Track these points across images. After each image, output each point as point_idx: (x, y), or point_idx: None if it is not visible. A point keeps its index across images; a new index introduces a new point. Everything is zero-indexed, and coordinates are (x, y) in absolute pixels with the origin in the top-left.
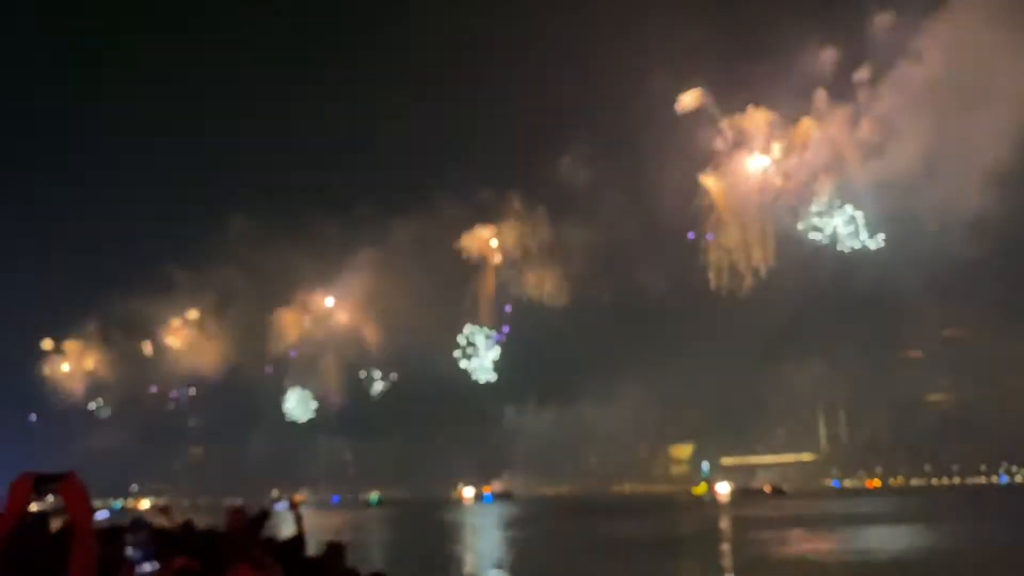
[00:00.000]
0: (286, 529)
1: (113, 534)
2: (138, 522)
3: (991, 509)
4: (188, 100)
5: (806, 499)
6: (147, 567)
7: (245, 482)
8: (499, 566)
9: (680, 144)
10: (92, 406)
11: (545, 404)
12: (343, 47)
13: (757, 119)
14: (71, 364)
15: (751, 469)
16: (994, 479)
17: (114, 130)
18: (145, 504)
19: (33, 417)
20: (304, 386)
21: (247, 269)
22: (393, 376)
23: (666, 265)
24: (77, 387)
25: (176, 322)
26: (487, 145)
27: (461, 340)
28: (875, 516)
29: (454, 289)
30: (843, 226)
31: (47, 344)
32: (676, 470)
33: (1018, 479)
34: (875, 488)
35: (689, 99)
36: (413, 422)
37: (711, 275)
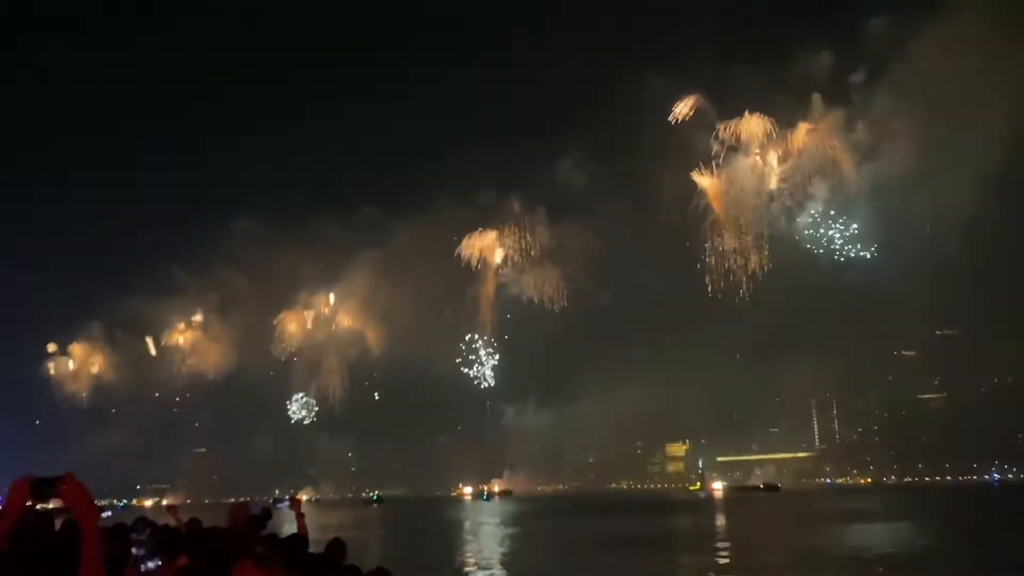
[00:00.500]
0: (288, 527)
1: (118, 532)
2: (143, 520)
3: (979, 508)
4: (191, 103)
5: (799, 496)
6: (151, 565)
7: (248, 481)
8: (498, 563)
9: (678, 148)
10: (97, 406)
11: (544, 404)
12: (345, 51)
13: (753, 124)
14: (76, 365)
15: (746, 466)
16: (986, 477)
17: (117, 133)
18: (149, 503)
19: (38, 422)
20: (306, 386)
21: (250, 271)
22: (393, 376)
23: (664, 267)
24: (82, 388)
25: (180, 323)
26: (487, 148)
27: (462, 347)
28: (864, 513)
29: (455, 290)
30: (839, 236)
31: (52, 346)
32: (672, 468)
33: (1009, 477)
34: (868, 486)
35: (683, 109)
36: (414, 422)
37: (707, 279)
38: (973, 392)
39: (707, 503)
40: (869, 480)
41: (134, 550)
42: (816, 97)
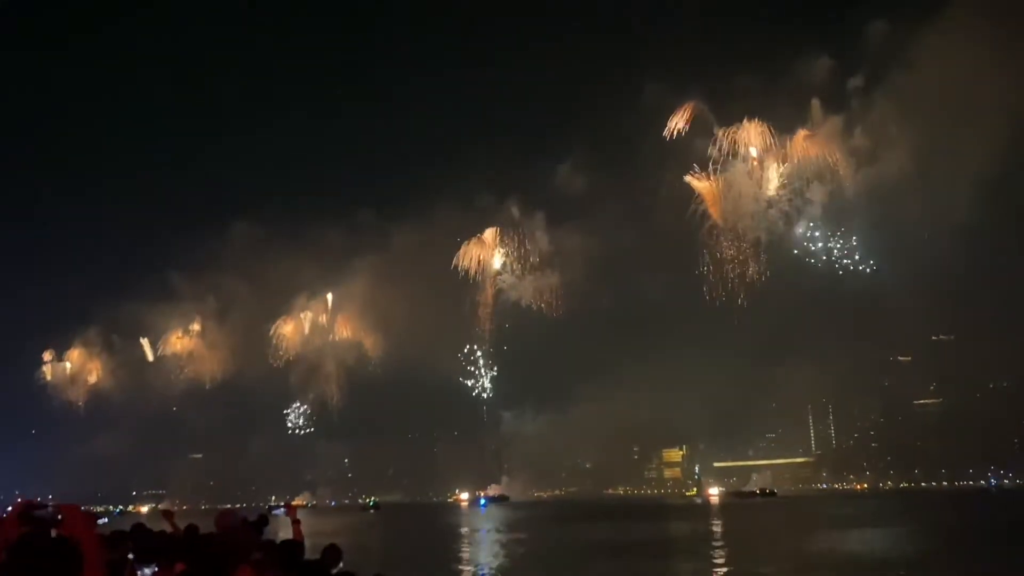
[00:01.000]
0: (284, 533)
1: (115, 539)
2: (139, 527)
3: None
4: (190, 107)
5: (796, 502)
6: (148, 572)
7: (244, 487)
8: (496, 570)
9: (677, 153)
10: (93, 412)
11: (541, 410)
12: (344, 57)
13: (751, 130)
14: (72, 370)
15: (743, 472)
16: (982, 483)
17: (116, 138)
18: (145, 509)
19: (34, 430)
20: (303, 392)
21: (248, 276)
22: (391, 382)
23: (662, 273)
24: (79, 393)
25: (177, 329)
26: (486, 153)
27: (460, 357)
28: (861, 518)
29: (453, 295)
30: (835, 242)
31: (48, 355)
32: (669, 473)
33: (1005, 483)
34: (864, 491)
35: (678, 122)
36: (411, 428)
37: (705, 287)
38: (969, 398)
39: (704, 509)
40: (865, 485)
41: (131, 556)
42: (815, 103)
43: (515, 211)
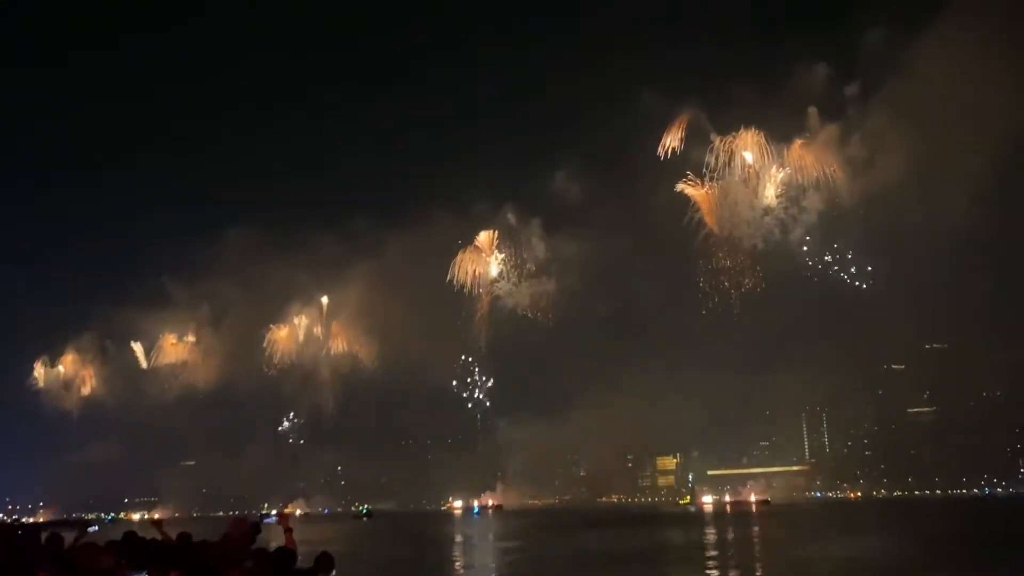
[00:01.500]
0: (277, 542)
1: (107, 548)
2: (130, 535)
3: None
4: (185, 113)
5: (789, 510)
6: None
7: (237, 494)
8: None
9: (673, 161)
10: (86, 419)
11: (536, 417)
12: (340, 64)
13: (748, 139)
14: (65, 376)
15: (736, 480)
16: (975, 491)
17: (112, 143)
18: (137, 517)
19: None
20: (297, 400)
21: (243, 282)
22: (385, 389)
23: (658, 280)
24: (71, 399)
25: (171, 336)
26: (483, 159)
27: (456, 368)
28: (854, 526)
29: (448, 302)
30: (830, 251)
31: (39, 365)
32: (663, 482)
33: (999, 491)
34: (857, 500)
35: (672, 140)
36: (405, 435)
37: (700, 295)
38: (962, 406)
39: (697, 517)
40: (859, 494)
41: (124, 564)
42: (812, 111)
43: (511, 218)
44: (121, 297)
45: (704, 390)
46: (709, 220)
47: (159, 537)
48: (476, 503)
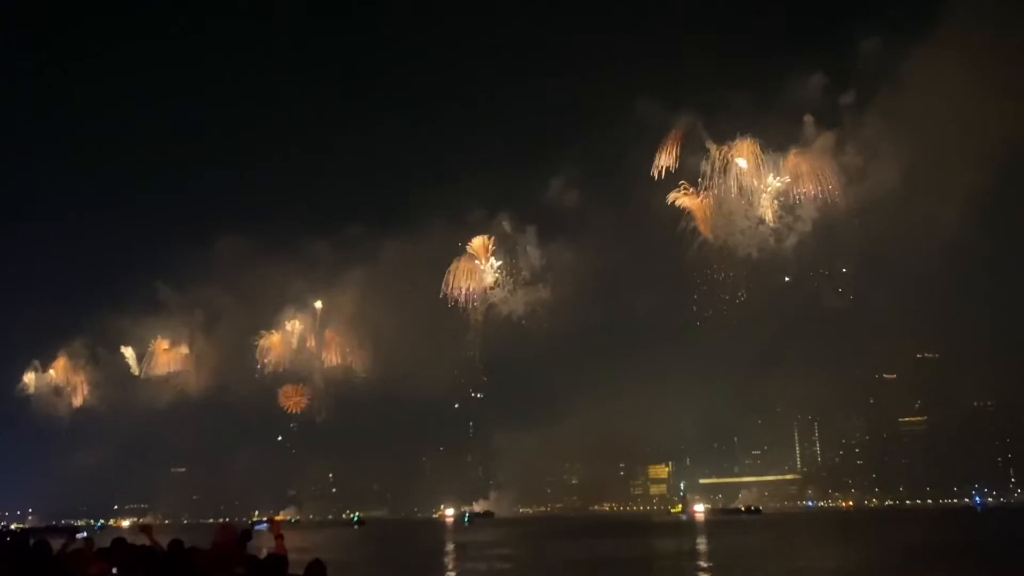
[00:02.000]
0: (268, 549)
1: (96, 554)
2: (119, 542)
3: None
4: (178, 119)
5: (781, 519)
6: None
7: (228, 501)
8: None
9: (669, 170)
10: (77, 425)
11: (528, 425)
12: (336, 71)
13: (743, 147)
14: (57, 382)
15: (728, 489)
16: (967, 501)
17: (105, 148)
18: (127, 523)
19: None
20: (288, 406)
21: (236, 288)
22: (377, 397)
23: (652, 289)
24: (62, 405)
25: (164, 342)
26: (478, 167)
27: (449, 372)
28: (845, 535)
29: (442, 309)
30: (824, 260)
31: (30, 375)
32: (655, 490)
33: (990, 501)
34: (849, 509)
35: (665, 159)
36: (398, 442)
37: (694, 306)
38: (954, 416)
39: (689, 526)
40: (851, 503)
41: (115, 571)
42: (808, 119)
43: (506, 225)
44: (114, 303)
45: (697, 399)
46: (703, 229)
47: (148, 544)
48: (468, 511)
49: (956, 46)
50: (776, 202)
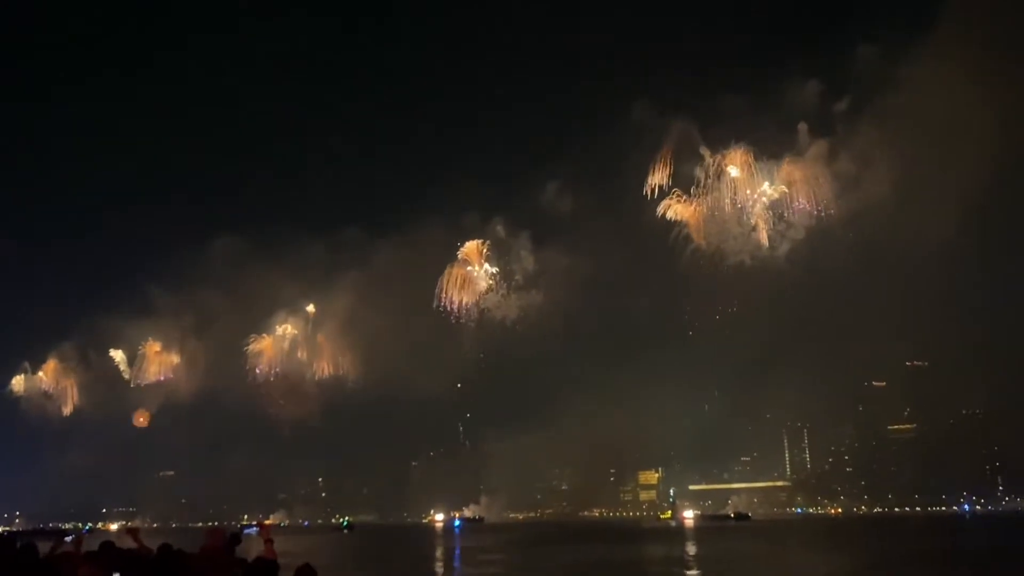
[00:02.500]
0: (256, 553)
1: (84, 558)
2: (107, 545)
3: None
4: (172, 120)
5: (769, 525)
6: None
7: (216, 505)
8: None
9: (661, 187)
10: (66, 427)
11: (520, 430)
12: (330, 74)
13: (737, 153)
14: (46, 384)
15: (718, 495)
16: (955, 508)
17: (98, 149)
18: (115, 526)
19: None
20: (279, 410)
21: (228, 291)
22: (368, 401)
23: (644, 294)
24: (52, 408)
25: (155, 344)
26: (473, 171)
27: (440, 377)
28: (834, 542)
29: (434, 314)
30: (817, 274)
31: (23, 367)
32: (645, 496)
33: (978, 509)
34: (838, 516)
35: (658, 177)
36: (388, 447)
37: (686, 315)
38: (942, 424)
39: (678, 532)
40: (839, 510)
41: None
42: (802, 126)
43: (500, 230)
44: (104, 305)
45: (687, 405)
46: (696, 236)
47: (136, 547)
48: (457, 516)
49: (951, 53)
50: (768, 207)
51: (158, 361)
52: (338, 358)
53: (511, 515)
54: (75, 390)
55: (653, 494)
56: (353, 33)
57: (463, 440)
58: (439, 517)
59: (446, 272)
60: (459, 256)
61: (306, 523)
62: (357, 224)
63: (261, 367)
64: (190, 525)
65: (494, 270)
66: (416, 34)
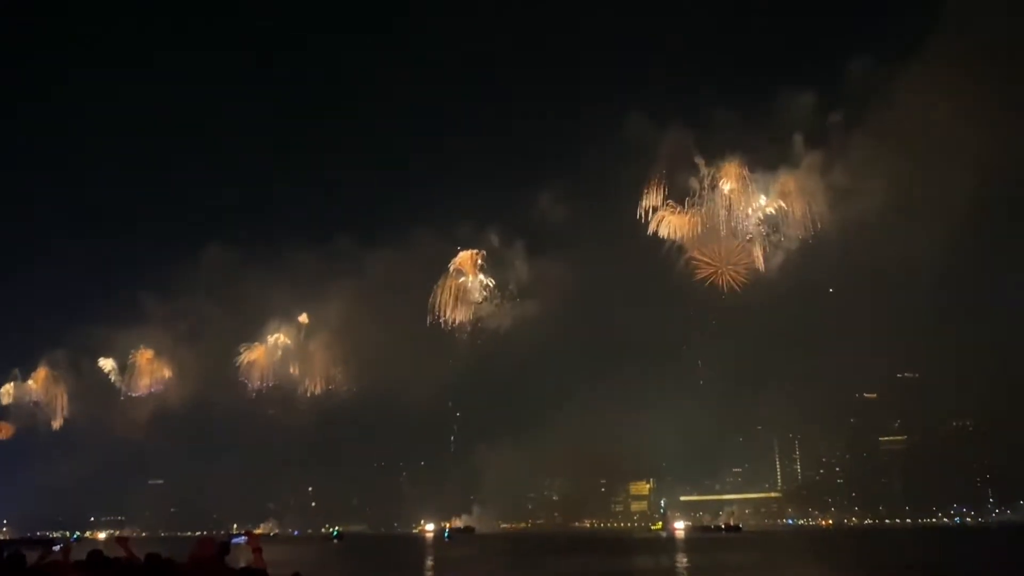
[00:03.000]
0: (246, 561)
1: (72, 567)
2: (96, 555)
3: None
4: (163, 127)
5: (760, 537)
6: None
7: (205, 515)
8: None
9: (657, 198)
10: (55, 436)
11: (510, 440)
12: (324, 82)
13: (731, 165)
14: (36, 393)
15: (709, 506)
16: (945, 520)
17: (90, 154)
18: (103, 535)
19: None
20: (270, 419)
21: (220, 299)
22: (359, 410)
23: (636, 304)
24: (41, 416)
25: (147, 352)
26: (467, 180)
27: (432, 386)
28: (824, 553)
29: (428, 325)
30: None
31: (8, 388)
32: (636, 507)
33: (968, 521)
34: (829, 527)
35: (651, 199)
36: (378, 456)
37: (680, 323)
38: (933, 435)
39: (669, 543)
40: (830, 522)
41: None
42: (797, 138)
43: (494, 239)
44: (95, 313)
45: (678, 416)
46: (690, 247)
47: (125, 556)
48: (448, 526)
49: (946, 65)
50: (762, 218)
51: (149, 369)
52: (330, 367)
53: (502, 525)
54: (65, 398)
55: (644, 505)
56: (347, 43)
57: (454, 450)
58: (429, 527)
59: (440, 282)
60: (453, 266)
61: (296, 532)
62: (350, 232)
63: (253, 376)
64: (179, 534)
65: (488, 280)
66: (411, 45)
